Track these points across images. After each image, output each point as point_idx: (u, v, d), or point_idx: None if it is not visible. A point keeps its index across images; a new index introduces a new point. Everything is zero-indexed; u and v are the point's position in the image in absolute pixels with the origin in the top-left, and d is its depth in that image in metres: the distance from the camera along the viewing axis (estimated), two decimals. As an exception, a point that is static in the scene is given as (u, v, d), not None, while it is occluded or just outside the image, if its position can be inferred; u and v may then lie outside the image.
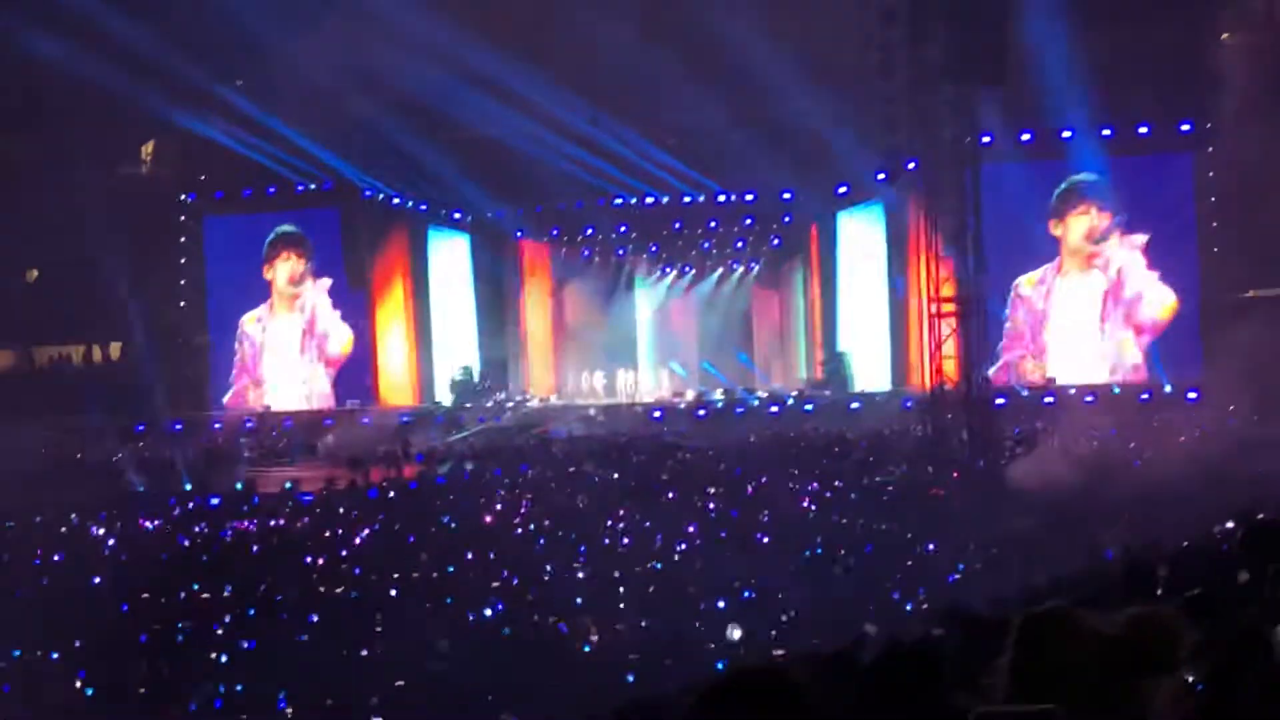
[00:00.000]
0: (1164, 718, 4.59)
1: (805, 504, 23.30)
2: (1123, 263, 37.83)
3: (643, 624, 15.19)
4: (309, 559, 19.94)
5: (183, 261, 45.38)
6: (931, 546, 18.74)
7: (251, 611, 16.73)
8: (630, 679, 12.85)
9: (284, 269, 44.56)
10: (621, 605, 16.16)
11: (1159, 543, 11.94)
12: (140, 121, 43.34)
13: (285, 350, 44.75)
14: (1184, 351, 36.83)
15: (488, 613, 15.82)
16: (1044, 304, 38.49)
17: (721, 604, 16.03)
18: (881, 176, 38.92)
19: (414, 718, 12.62)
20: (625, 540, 20.52)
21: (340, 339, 44.07)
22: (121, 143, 45.83)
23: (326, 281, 44.18)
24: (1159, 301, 37.52)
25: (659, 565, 18.58)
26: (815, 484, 25.35)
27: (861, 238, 42.46)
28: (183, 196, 45.13)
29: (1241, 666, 4.57)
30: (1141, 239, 37.69)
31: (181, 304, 45.74)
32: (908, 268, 38.31)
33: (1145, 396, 35.57)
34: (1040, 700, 4.22)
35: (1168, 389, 35.99)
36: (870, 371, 41.86)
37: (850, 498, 23.65)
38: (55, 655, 15.24)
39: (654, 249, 47.19)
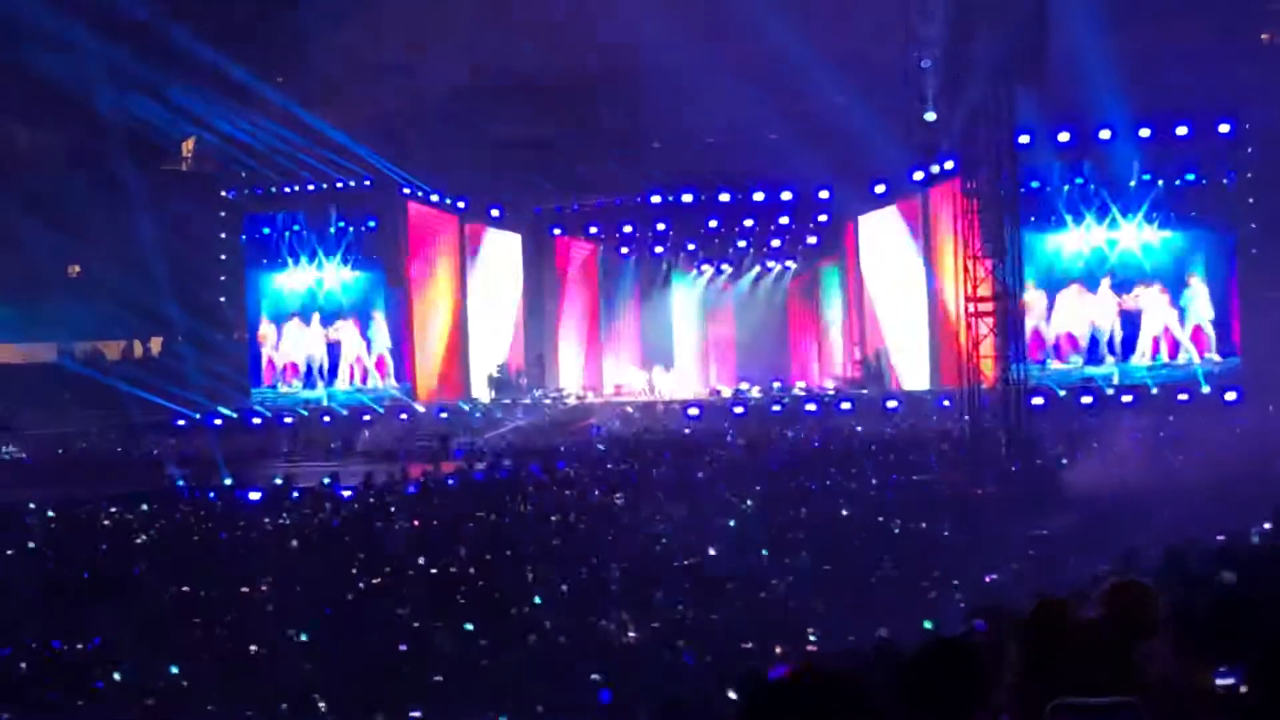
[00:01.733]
0: (1149, 678, 4.67)
1: (842, 503, 23.27)
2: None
3: (679, 620, 15.22)
4: (347, 554, 20.03)
5: (222, 257, 45.58)
6: (969, 546, 18.71)
7: (291, 605, 16.83)
8: (667, 675, 12.87)
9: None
10: (658, 601, 16.20)
11: (1196, 542, 11.91)
12: (182, 117, 43.64)
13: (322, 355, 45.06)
14: (1222, 351, 36.73)
15: (525, 608, 15.87)
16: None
17: (760, 599, 16.08)
18: (919, 176, 38.90)
19: (452, 713, 12.67)
20: (662, 537, 20.54)
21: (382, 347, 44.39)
22: (163, 139, 46.10)
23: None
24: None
25: (695, 562, 18.59)
26: (853, 483, 25.32)
27: (897, 236, 42.43)
28: (223, 193, 45.31)
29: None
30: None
31: (221, 299, 45.97)
32: (938, 267, 38.41)
33: (1184, 397, 35.41)
34: (1052, 689, 4.29)
35: (1205, 389, 35.84)
36: (908, 370, 41.86)
37: (888, 497, 23.61)
38: (97, 643, 15.40)
39: (692, 246, 47.21)
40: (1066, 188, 37.32)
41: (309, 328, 44.81)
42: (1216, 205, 36.91)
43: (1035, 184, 36.54)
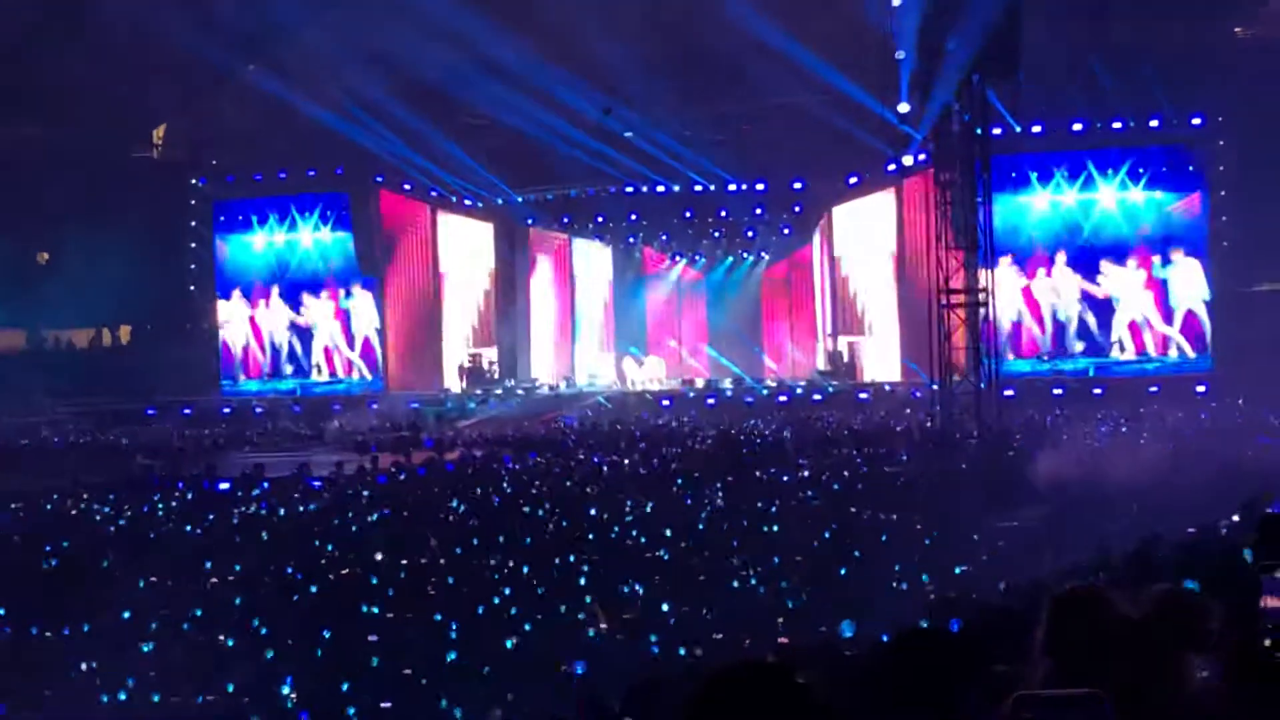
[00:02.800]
0: (1195, 692, 4.61)
1: (813, 494, 23.28)
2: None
3: (650, 612, 15.20)
4: (317, 544, 19.96)
5: (193, 246, 45.38)
6: (939, 537, 18.73)
7: (261, 596, 16.77)
8: (637, 666, 12.85)
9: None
10: (628, 593, 16.18)
11: (1165, 535, 11.92)
12: (154, 104, 43.44)
13: (299, 340, 44.90)
14: (1193, 344, 36.75)
15: (496, 599, 15.84)
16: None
17: (731, 589, 16.07)
18: (892, 168, 38.94)
19: (421, 703, 12.64)
20: (633, 528, 20.52)
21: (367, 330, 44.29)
22: (134, 126, 45.85)
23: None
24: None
25: (667, 554, 18.58)
26: (824, 474, 25.32)
27: (870, 228, 42.45)
28: (194, 180, 45.08)
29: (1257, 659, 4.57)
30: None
31: (191, 288, 45.78)
32: (911, 258, 38.41)
33: (1154, 389, 35.47)
34: (1079, 680, 4.22)
35: (1177, 380, 35.90)
36: (880, 362, 41.89)
37: (858, 488, 23.63)
38: (66, 632, 15.33)
39: (665, 237, 47.18)
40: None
41: (277, 308, 44.64)
42: (1189, 198, 36.76)
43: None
